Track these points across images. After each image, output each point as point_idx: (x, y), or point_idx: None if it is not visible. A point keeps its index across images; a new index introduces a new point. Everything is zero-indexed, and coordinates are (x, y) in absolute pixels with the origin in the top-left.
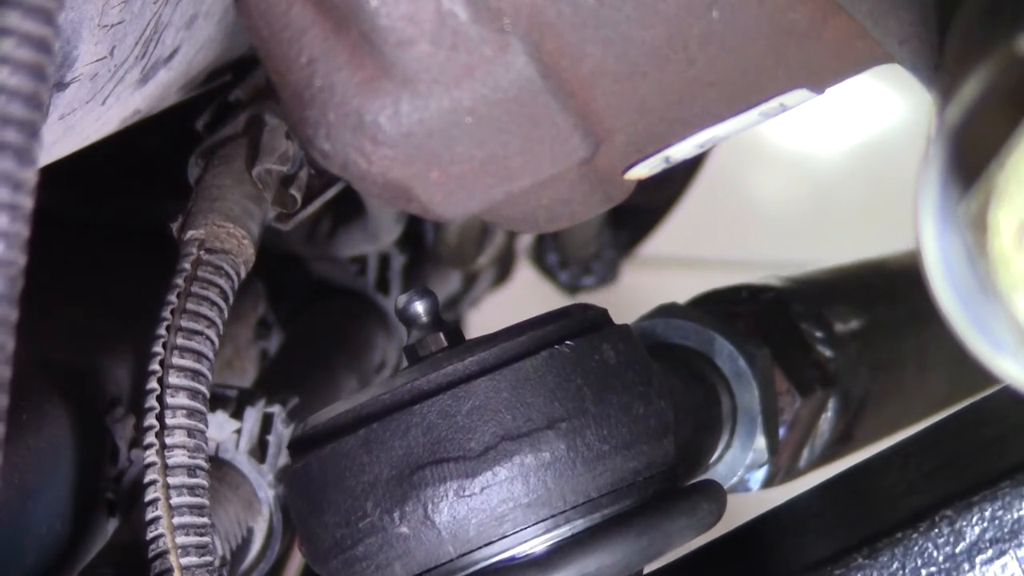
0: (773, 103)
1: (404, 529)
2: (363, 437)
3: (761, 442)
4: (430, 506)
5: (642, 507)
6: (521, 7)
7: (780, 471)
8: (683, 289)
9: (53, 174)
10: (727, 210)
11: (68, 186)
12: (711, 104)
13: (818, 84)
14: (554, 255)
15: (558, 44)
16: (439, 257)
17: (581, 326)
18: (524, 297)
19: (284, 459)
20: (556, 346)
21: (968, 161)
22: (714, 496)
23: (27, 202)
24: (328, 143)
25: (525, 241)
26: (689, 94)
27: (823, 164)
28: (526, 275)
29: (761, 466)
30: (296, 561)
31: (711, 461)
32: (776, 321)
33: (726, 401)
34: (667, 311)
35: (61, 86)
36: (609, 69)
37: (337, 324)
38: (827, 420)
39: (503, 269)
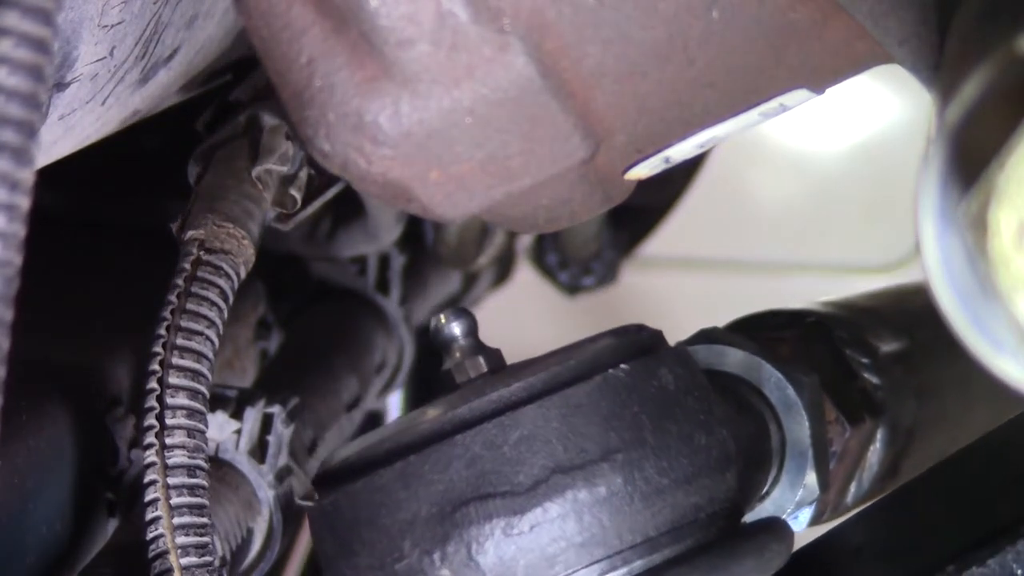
0: (773, 103)
1: (445, 572)
2: (399, 471)
3: (812, 477)
4: (474, 546)
5: (705, 547)
6: (521, 7)
7: (827, 507)
8: (683, 289)
9: (53, 174)
10: (727, 210)
11: (68, 186)
12: (711, 104)
13: (818, 84)
14: (554, 255)
15: (558, 44)
16: (439, 257)
17: (635, 348)
18: (524, 297)
19: (284, 459)
20: (610, 370)
21: (968, 161)
22: (781, 535)
23: (24, 202)
24: (328, 143)
25: (525, 241)
26: (689, 94)
27: (823, 164)
28: (526, 275)
29: (810, 503)
30: (296, 561)
31: (757, 499)
32: (820, 347)
33: (774, 432)
34: (708, 336)
35: (61, 86)
36: (609, 69)
37: (337, 324)
38: (875, 452)
39: (503, 269)
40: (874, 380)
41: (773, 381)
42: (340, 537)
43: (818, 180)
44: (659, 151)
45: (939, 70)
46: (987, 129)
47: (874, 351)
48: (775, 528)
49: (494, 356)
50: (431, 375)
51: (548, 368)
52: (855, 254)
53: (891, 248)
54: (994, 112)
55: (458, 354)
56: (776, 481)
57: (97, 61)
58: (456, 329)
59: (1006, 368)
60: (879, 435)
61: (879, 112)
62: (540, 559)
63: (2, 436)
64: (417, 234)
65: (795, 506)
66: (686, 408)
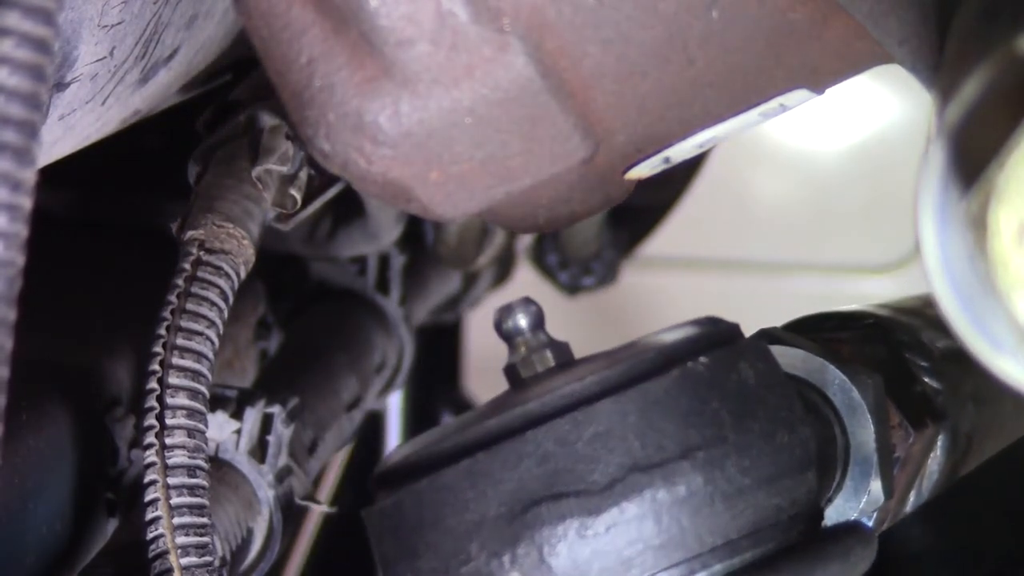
0: (773, 103)
1: (515, 575)
2: (467, 469)
3: (876, 485)
4: (546, 548)
5: (788, 550)
6: (521, 7)
7: (888, 516)
8: (683, 289)
9: (53, 174)
10: (727, 210)
11: (68, 186)
12: (711, 104)
13: (818, 84)
14: (554, 255)
15: (558, 44)
16: (439, 257)
17: (712, 340)
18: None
19: (284, 459)
20: (689, 363)
21: (968, 161)
22: (865, 539)
23: (26, 202)
24: (328, 143)
25: (525, 241)
26: (689, 94)
27: (823, 164)
28: (526, 275)
29: (872, 512)
30: (296, 561)
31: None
32: (879, 349)
33: (839, 437)
34: (768, 336)
35: (61, 86)
36: (609, 69)
37: (337, 324)
38: (935, 459)
39: (503, 269)
40: (934, 384)
41: (837, 383)
42: (402, 539)
43: (818, 180)
44: (659, 151)
45: (939, 70)
46: (987, 129)
47: (932, 355)
48: (859, 531)
49: (562, 350)
50: (431, 375)
51: (622, 361)
52: (855, 254)
53: (891, 248)
54: (994, 112)
55: (524, 348)
56: (839, 488)
57: (97, 61)
58: (522, 321)
59: (1006, 368)
60: (940, 441)
61: (879, 112)
62: (616, 562)
63: (2, 436)
64: (417, 234)
65: (858, 514)
66: (767, 404)
